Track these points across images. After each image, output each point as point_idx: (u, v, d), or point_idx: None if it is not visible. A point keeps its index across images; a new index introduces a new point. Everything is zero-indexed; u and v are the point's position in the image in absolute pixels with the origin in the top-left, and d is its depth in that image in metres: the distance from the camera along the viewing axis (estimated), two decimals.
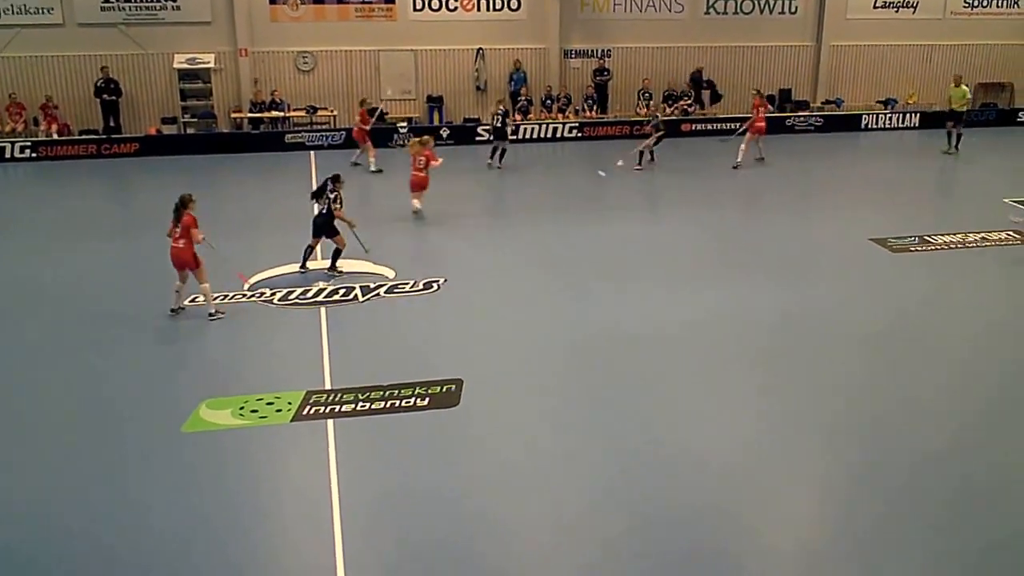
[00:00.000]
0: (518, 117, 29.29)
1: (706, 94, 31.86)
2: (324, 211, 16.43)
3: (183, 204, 14.20)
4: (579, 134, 29.65)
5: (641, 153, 25.17)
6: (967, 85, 28.19)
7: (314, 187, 18.67)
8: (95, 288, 16.18)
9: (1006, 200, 21.18)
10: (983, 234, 18.74)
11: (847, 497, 9.55)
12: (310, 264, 16.63)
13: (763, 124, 25.29)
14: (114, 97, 28.27)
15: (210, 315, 14.30)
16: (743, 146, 25.17)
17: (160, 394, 11.93)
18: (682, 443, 10.50)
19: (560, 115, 30.14)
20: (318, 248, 16.81)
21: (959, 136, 27.25)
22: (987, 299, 15.45)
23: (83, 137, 28.09)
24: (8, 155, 27.21)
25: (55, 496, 9.57)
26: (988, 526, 8.92)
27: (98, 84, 28.12)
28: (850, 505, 9.39)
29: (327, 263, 16.63)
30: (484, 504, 9.31)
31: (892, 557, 8.44)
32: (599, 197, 22.94)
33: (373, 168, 24.79)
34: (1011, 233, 18.73)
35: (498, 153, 25.70)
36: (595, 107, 30.61)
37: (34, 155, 27.41)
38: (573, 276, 16.35)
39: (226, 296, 15.21)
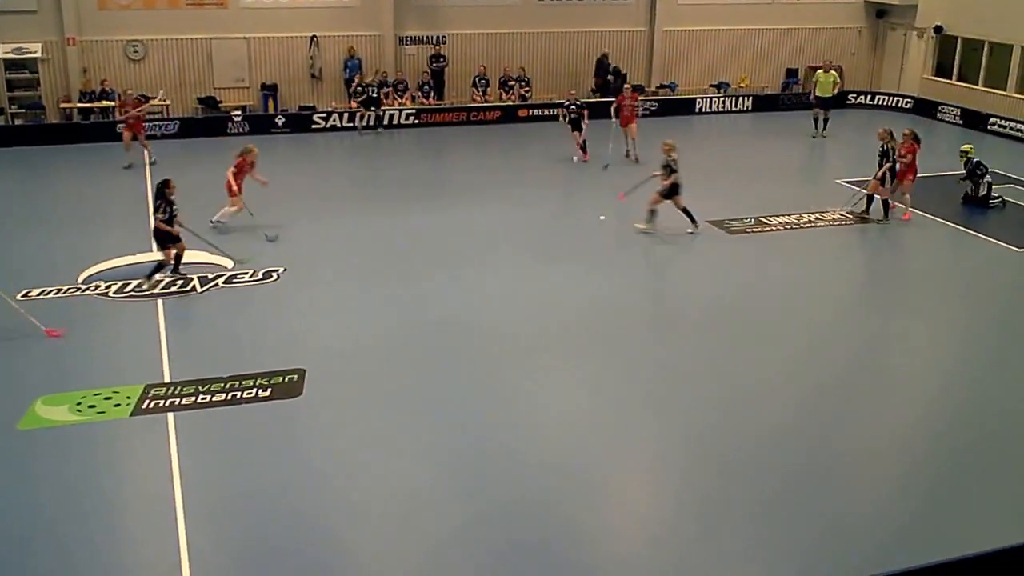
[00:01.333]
0: (353, 104, 29.50)
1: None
2: (165, 219, 15.84)
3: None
4: (416, 120, 30.08)
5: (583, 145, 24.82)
6: (835, 70, 29.14)
7: (148, 179, 18.57)
8: None
9: (838, 181, 22.65)
10: (817, 215, 20.04)
11: (679, 478, 10.33)
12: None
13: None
14: None
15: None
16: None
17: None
18: (514, 434, 11.18)
19: (396, 101, 30.51)
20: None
21: (826, 121, 28.63)
22: (816, 277, 16.70)
23: None
24: None
25: None
26: (820, 506, 9.67)
27: None
28: (682, 486, 10.15)
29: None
30: (326, 497, 9.69)
31: (725, 537, 9.17)
32: (438, 183, 23.42)
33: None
34: (843, 213, 20.07)
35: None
36: (431, 94, 31.10)
37: None
38: (411, 264, 16.88)
39: (59, 290, 15.18)
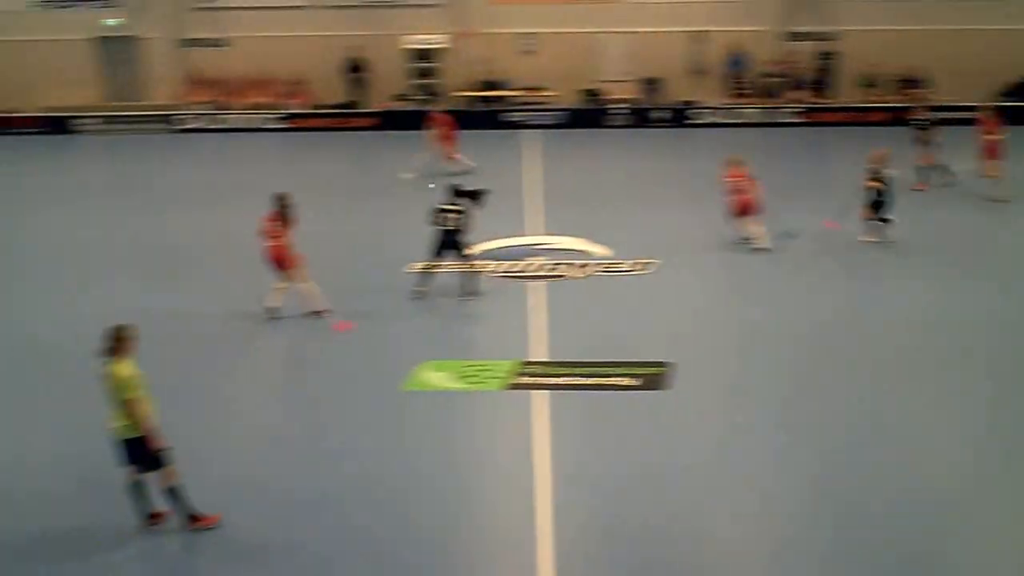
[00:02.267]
0: (735, 100, 29.15)
1: None
2: (454, 228, 14.79)
3: (286, 202, 13.83)
4: (801, 120, 29.13)
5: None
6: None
7: (531, 164, 19.25)
8: (336, 252, 17.46)
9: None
10: None
11: None
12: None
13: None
14: (360, 74, 30.08)
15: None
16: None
17: (384, 354, 12.92)
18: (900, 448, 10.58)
19: (775, 99, 29.63)
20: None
21: None
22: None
23: (324, 111, 30.06)
24: (262, 126, 29.45)
25: (289, 443, 10.70)
26: None
27: (346, 62, 29.97)
28: None
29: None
30: (689, 489, 9.56)
31: None
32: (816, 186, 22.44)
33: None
34: None
35: None
36: (818, 92, 29.99)
37: (284, 126, 29.59)
38: (783, 268, 16.40)
39: (445, 266, 16.13)
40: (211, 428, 11.09)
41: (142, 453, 8.58)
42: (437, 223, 14.71)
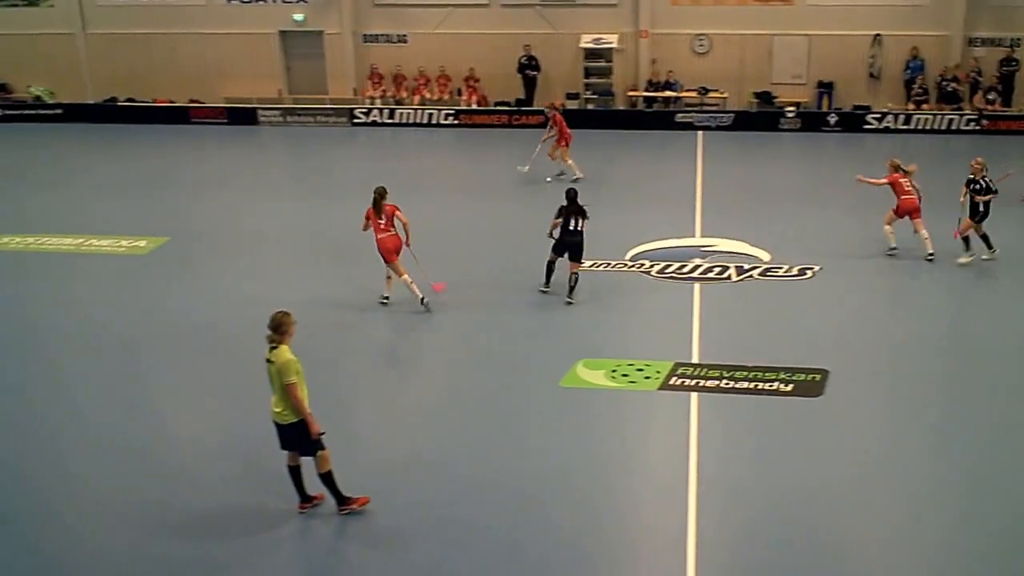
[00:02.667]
0: (910, 106, 28.26)
1: None
2: (577, 229, 14.88)
3: (382, 196, 14.48)
4: (976, 127, 28.02)
5: None
6: None
7: (699, 167, 19.28)
8: (486, 249, 18.00)
9: None
10: None
11: None
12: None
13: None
14: (534, 73, 30.65)
15: (422, 302, 14.53)
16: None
17: (542, 350, 13.32)
18: None
19: (953, 106, 28.52)
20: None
21: None
22: None
23: (497, 108, 30.70)
24: (434, 121, 30.34)
25: (450, 426, 11.23)
26: None
27: (521, 60, 30.61)
28: None
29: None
30: (838, 501, 9.54)
31: None
32: None
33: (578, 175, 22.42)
34: None
35: None
36: (998, 99, 28.75)
37: (456, 122, 30.40)
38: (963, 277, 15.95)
39: (608, 264, 16.43)
40: (375, 414, 11.75)
41: (300, 438, 8.98)
42: (565, 224, 14.85)
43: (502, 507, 9.49)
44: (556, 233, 15.01)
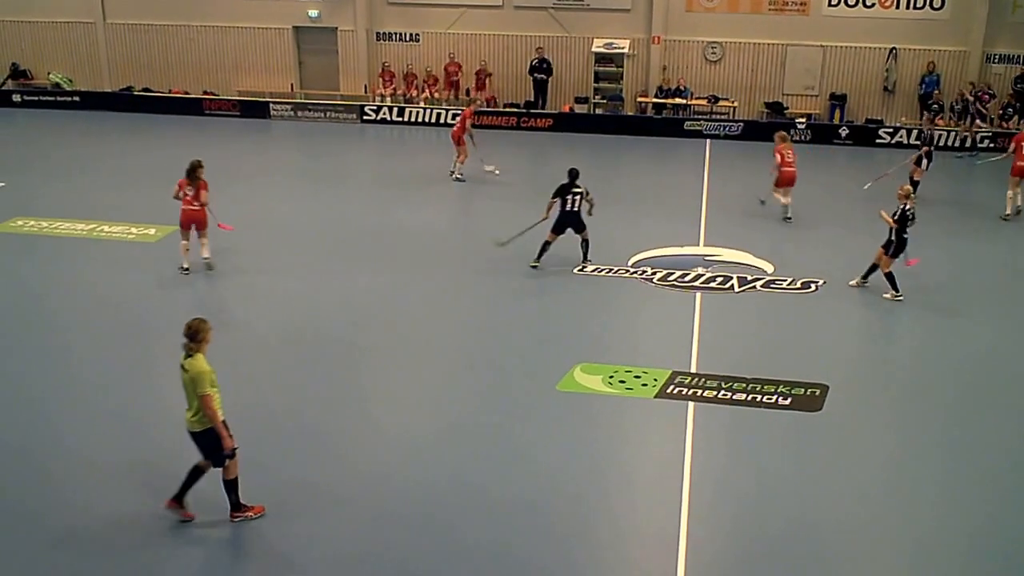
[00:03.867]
0: (926, 122, 28.17)
1: None
2: (576, 209, 16.18)
3: (196, 169, 15.75)
4: (992, 144, 27.89)
5: None
6: None
7: (706, 175, 19.34)
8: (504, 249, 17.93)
9: None
10: None
11: None
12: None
13: None
14: (543, 77, 30.64)
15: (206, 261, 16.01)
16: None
17: (539, 352, 13.28)
18: None
19: (966, 124, 28.42)
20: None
21: None
22: None
23: (506, 109, 30.69)
24: (443, 120, 30.37)
25: (443, 428, 11.20)
26: None
27: (532, 63, 30.59)
28: None
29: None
30: (828, 514, 9.50)
31: None
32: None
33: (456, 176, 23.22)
34: None
35: None
36: (1015, 117, 28.64)
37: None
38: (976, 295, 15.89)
39: (609, 270, 16.40)
40: (365, 412, 11.73)
41: (211, 446, 8.77)
42: (564, 203, 16.02)
43: (492, 509, 9.46)
44: (555, 212, 15.93)
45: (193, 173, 15.70)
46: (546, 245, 16.27)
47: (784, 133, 20.46)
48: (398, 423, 11.35)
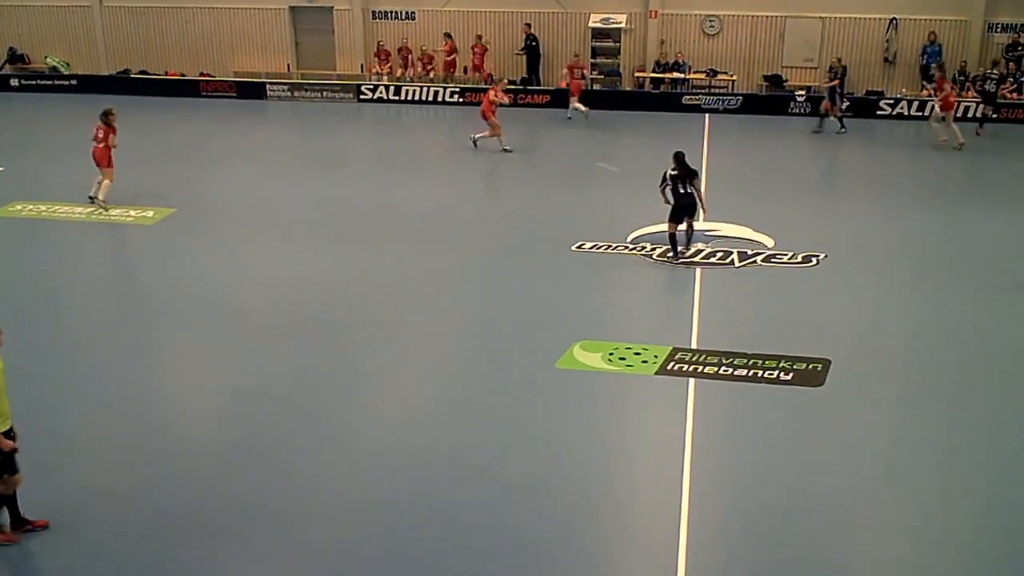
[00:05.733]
0: (926, 92, 27.97)
1: None
2: (688, 191, 15.80)
3: (106, 115, 18.62)
4: (995, 115, 27.66)
5: None
6: None
7: (704, 150, 19.13)
8: (500, 224, 17.93)
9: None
10: None
11: None
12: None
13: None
14: (537, 52, 30.48)
15: (93, 199, 18.52)
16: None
17: (538, 330, 13.19)
18: None
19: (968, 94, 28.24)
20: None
21: None
22: None
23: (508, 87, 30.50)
24: (440, 99, 30.22)
25: (442, 408, 11.12)
26: None
27: (525, 39, 30.40)
28: None
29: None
30: (831, 489, 9.43)
31: None
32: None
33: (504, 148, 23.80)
34: None
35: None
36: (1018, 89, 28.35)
37: (460, 100, 30.27)
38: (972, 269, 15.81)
39: (609, 247, 16.32)
40: (368, 388, 11.68)
41: None
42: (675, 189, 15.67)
43: (492, 488, 9.40)
44: (669, 198, 15.59)
45: (105, 118, 18.58)
46: (672, 238, 15.77)
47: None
48: (395, 403, 11.28)
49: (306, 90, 31.36)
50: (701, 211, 16.33)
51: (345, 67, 32.30)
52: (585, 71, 29.23)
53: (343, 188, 20.65)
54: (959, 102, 26.35)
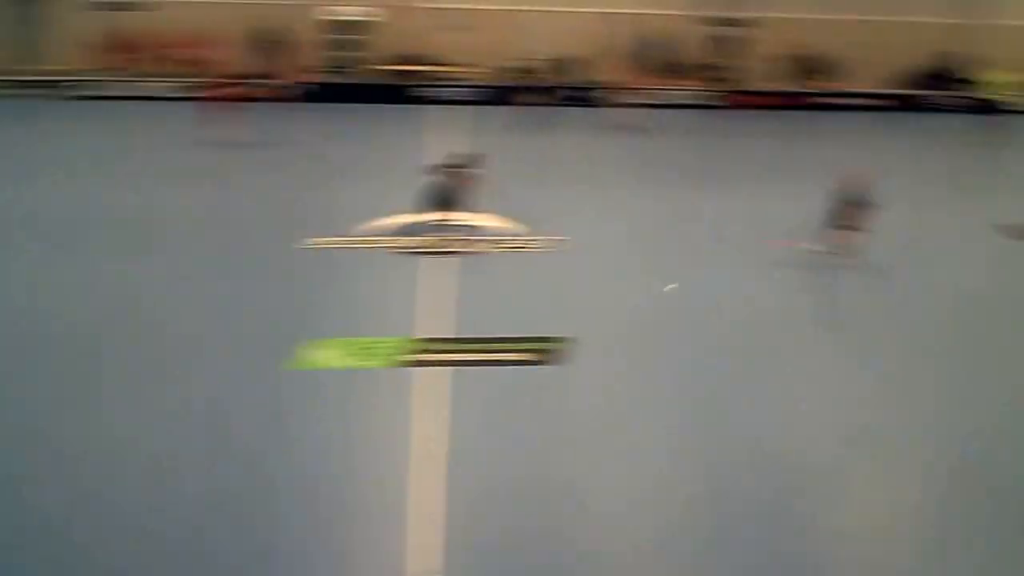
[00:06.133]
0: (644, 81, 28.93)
1: None
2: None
3: None
4: (717, 103, 29.02)
5: None
6: None
7: (433, 142, 18.66)
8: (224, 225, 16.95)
9: None
10: None
11: None
12: None
13: None
14: (270, 44, 29.50)
15: None
16: None
17: (267, 328, 12.40)
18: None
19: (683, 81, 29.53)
20: None
21: None
22: None
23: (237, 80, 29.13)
24: (172, 95, 28.39)
25: (152, 422, 10.04)
26: None
27: (256, 32, 29.18)
28: None
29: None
30: (574, 465, 9.38)
31: None
32: None
33: None
34: None
35: None
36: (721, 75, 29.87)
37: (195, 96, 28.40)
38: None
39: (339, 241, 15.76)
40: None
41: None
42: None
43: (213, 508, 8.55)
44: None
45: None
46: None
47: None
48: (104, 422, 10.09)
49: (7, 87, 28.60)
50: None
51: (61, 62, 29.79)
52: None
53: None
54: None
